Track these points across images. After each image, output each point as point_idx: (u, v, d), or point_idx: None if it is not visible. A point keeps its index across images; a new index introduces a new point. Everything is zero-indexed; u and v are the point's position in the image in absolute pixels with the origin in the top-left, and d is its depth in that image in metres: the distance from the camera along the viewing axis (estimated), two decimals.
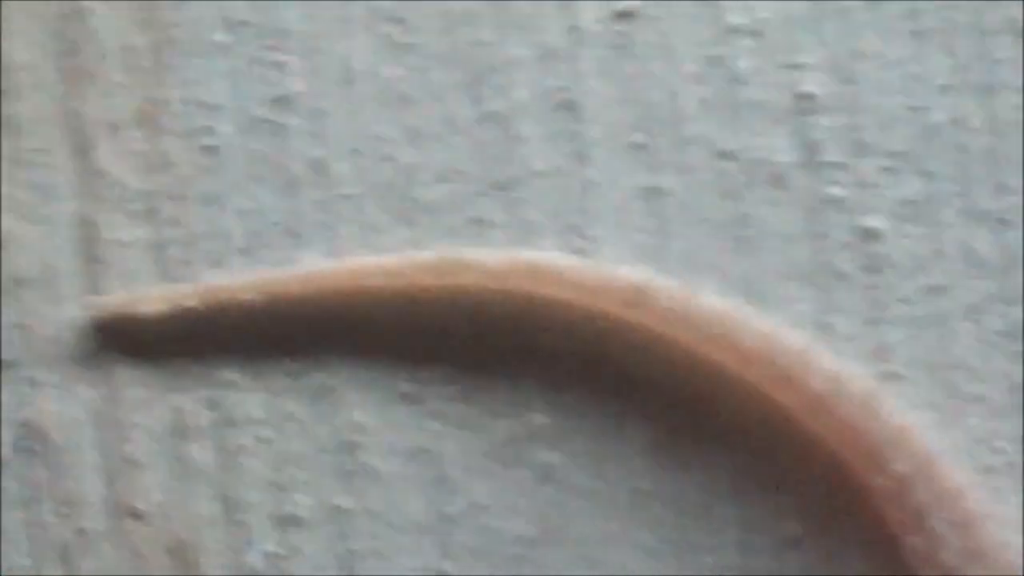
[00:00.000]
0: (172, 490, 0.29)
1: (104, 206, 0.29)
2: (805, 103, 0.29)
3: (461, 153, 0.29)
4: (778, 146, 0.29)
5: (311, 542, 0.29)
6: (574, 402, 0.29)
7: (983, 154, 0.28)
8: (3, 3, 0.29)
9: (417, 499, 0.29)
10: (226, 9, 0.29)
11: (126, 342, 0.29)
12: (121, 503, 0.29)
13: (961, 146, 0.28)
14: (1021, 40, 0.28)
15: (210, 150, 0.29)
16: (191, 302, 0.29)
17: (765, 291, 0.29)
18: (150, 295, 0.29)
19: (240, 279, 0.29)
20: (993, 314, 0.28)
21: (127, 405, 0.29)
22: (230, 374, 0.29)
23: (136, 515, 0.29)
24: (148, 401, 0.29)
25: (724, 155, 0.29)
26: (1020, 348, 0.28)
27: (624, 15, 0.29)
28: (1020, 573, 0.27)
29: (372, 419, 0.29)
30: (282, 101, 0.29)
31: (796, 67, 0.29)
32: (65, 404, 0.29)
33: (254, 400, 0.29)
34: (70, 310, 0.29)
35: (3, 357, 0.29)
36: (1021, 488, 0.28)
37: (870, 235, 0.29)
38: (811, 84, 0.29)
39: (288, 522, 0.29)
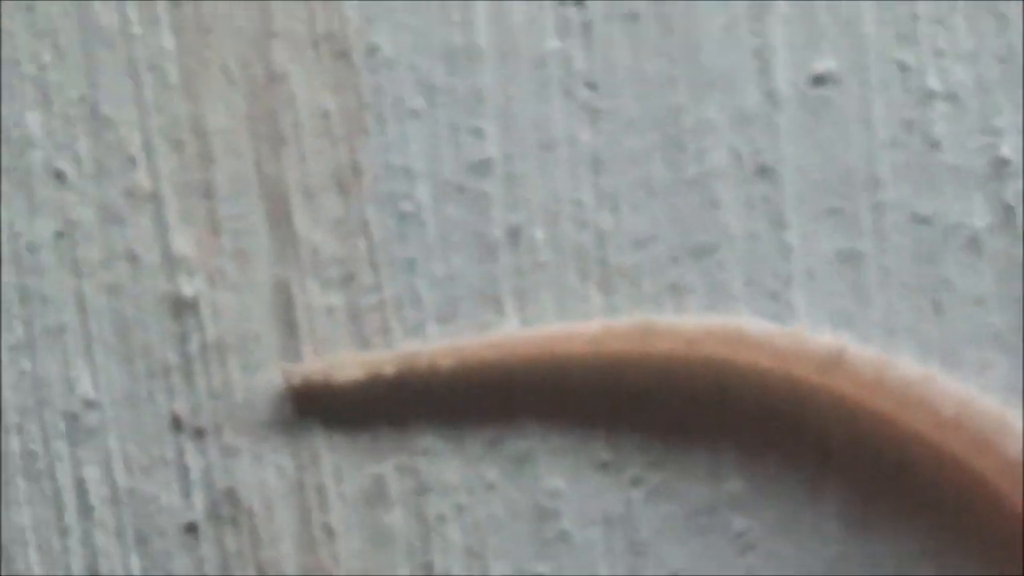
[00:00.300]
0: (369, 558, 0.29)
1: (301, 272, 0.29)
2: (1001, 167, 0.29)
3: (657, 218, 0.29)
4: (974, 210, 0.29)
5: None
6: (770, 469, 0.28)
7: None
8: (202, 69, 0.29)
9: (613, 566, 0.29)
10: (423, 74, 0.29)
11: (323, 409, 0.29)
12: (318, 572, 0.29)
13: None
14: None
15: (406, 216, 0.29)
16: (387, 369, 0.29)
17: (961, 356, 0.28)
18: (346, 361, 0.29)
19: (436, 345, 0.29)
20: None
21: (324, 472, 0.29)
22: (426, 441, 0.29)
23: None
24: (345, 468, 0.29)
25: (920, 219, 0.29)
26: None
27: (820, 79, 0.29)
28: None
29: (568, 486, 0.29)
30: (478, 167, 0.29)
31: (992, 131, 0.29)
32: (262, 471, 0.29)
33: (451, 467, 0.29)
34: (267, 377, 0.29)
35: (200, 424, 0.29)
36: None
37: None
38: (1007, 148, 0.29)
39: None
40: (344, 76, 0.29)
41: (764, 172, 0.29)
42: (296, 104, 0.29)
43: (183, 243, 0.29)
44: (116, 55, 0.29)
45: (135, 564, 0.29)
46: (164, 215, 0.29)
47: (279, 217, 0.29)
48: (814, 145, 0.29)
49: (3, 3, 0.29)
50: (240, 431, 0.29)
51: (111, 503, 0.29)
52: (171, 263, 0.29)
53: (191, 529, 0.29)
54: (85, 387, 0.29)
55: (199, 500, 0.29)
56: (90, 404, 0.29)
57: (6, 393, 0.29)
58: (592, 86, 0.29)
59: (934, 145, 0.29)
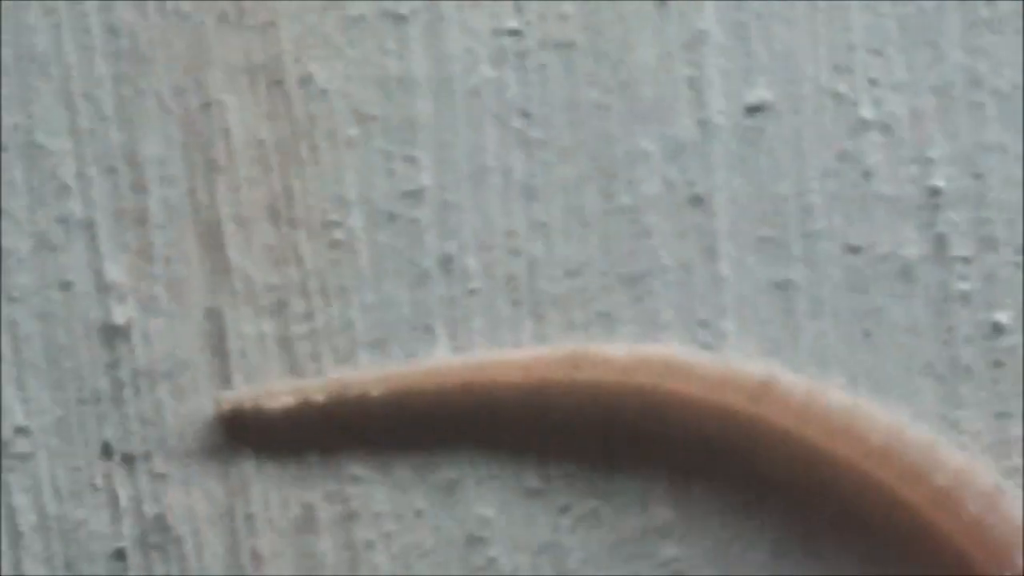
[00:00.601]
0: None
1: (233, 300, 0.29)
2: (933, 197, 0.29)
3: (589, 247, 0.29)
4: (906, 240, 0.29)
5: None
6: (699, 497, 0.29)
7: None
8: (137, 98, 0.29)
9: None
10: (357, 103, 0.29)
11: (253, 436, 0.29)
12: None
13: None
14: None
15: (339, 244, 0.29)
16: (318, 396, 0.29)
17: (892, 385, 0.29)
18: (278, 389, 0.29)
19: (368, 373, 0.29)
20: None
21: (253, 499, 0.29)
22: (356, 468, 0.29)
23: None
24: (274, 495, 0.29)
25: (852, 249, 0.29)
26: None
27: (754, 109, 0.29)
28: None
29: (497, 514, 0.29)
30: (412, 195, 0.29)
31: (925, 161, 0.29)
32: (191, 498, 0.29)
33: (379, 494, 0.29)
34: (198, 404, 0.29)
35: (131, 450, 0.29)
36: None
37: (997, 330, 0.28)
38: (939, 178, 0.29)
39: None
40: (279, 105, 0.29)
41: (697, 201, 0.29)
42: (230, 133, 0.29)
43: (116, 270, 0.29)
44: (51, 83, 0.29)
45: None
46: (97, 243, 0.29)
47: (212, 245, 0.29)
48: (747, 175, 0.29)
49: None
50: (170, 458, 0.29)
51: (40, 530, 0.29)
52: (103, 290, 0.29)
53: (120, 556, 0.29)
54: (16, 414, 0.29)
55: (128, 527, 0.29)
56: (20, 431, 0.29)
57: None
58: (526, 115, 0.29)
59: (867, 175, 0.29)
